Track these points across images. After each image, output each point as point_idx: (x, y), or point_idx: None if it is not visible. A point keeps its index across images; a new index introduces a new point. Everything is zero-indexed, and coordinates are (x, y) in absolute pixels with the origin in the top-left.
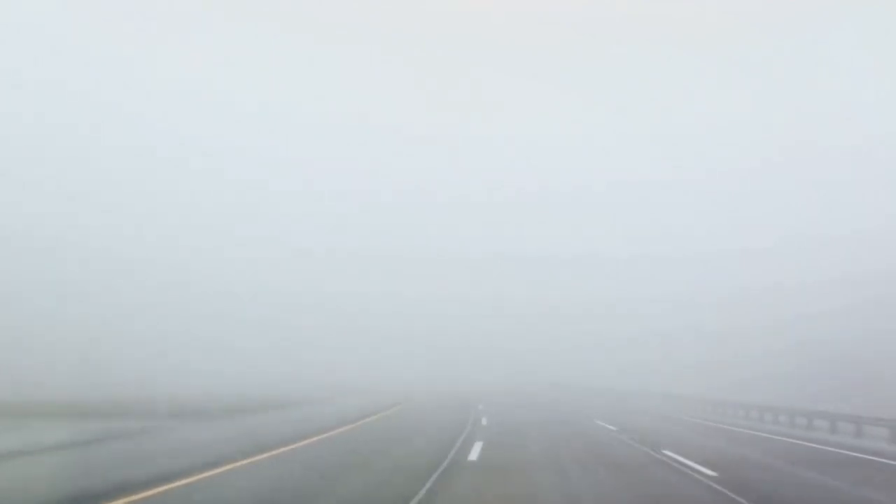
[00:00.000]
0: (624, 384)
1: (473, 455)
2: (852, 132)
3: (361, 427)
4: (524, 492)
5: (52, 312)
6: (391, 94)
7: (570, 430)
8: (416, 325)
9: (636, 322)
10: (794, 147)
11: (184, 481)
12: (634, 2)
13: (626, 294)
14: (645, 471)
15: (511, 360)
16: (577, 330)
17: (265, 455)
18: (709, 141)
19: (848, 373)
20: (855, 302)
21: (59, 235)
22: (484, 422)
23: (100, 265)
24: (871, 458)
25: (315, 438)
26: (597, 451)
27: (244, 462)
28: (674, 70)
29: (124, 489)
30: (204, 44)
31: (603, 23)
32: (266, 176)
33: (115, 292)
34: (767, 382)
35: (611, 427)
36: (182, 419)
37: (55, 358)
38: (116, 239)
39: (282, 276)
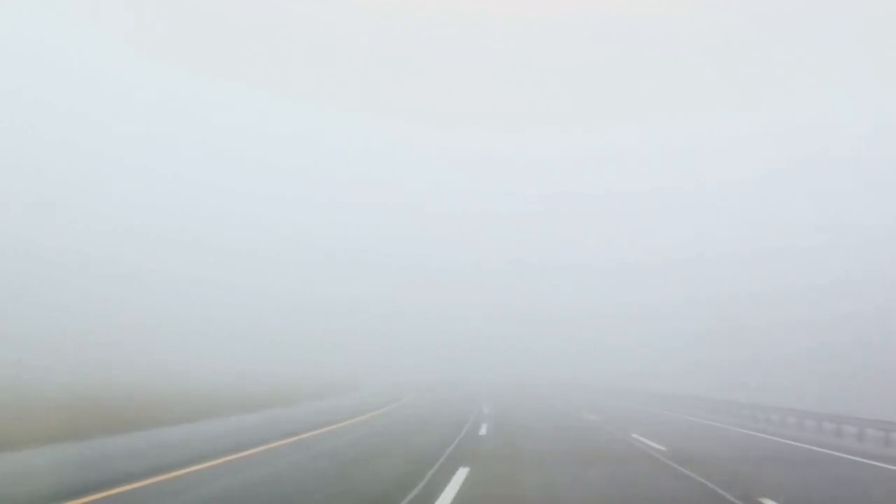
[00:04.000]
0: (624, 384)
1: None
2: (854, 140)
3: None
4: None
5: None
6: (404, 109)
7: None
8: (434, 329)
9: (642, 326)
10: (799, 156)
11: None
12: (641, 14)
13: (632, 300)
14: (570, 418)
15: (525, 362)
16: (589, 334)
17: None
18: (715, 150)
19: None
20: (859, 308)
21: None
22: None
23: (109, 275)
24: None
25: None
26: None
27: (370, 414)
28: (679, 80)
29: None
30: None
31: (609, 34)
32: (291, 189)
33: (122, 298)
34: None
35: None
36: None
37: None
38: (123, 249)
39: (316, 283)
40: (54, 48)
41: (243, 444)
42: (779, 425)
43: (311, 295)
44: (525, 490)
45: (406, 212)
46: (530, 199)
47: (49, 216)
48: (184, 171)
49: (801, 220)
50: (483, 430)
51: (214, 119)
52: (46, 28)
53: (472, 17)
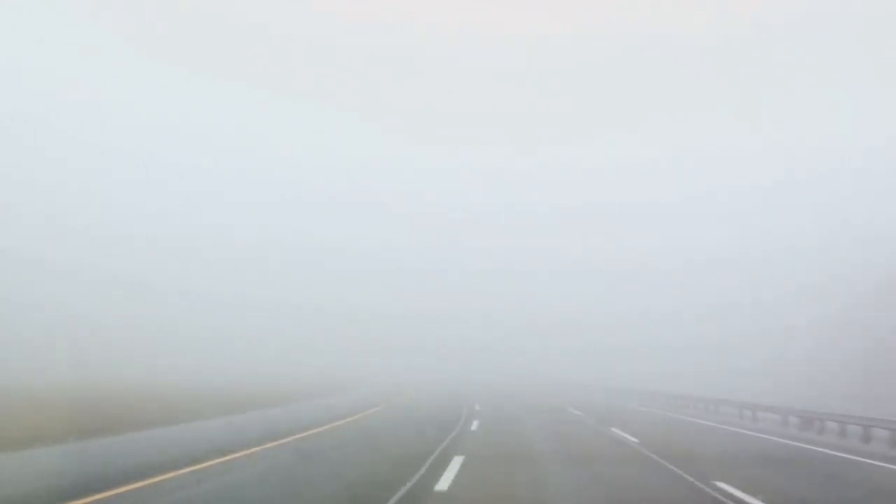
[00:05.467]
0: (623, 384)
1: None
2: (855, 153)
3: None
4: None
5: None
6: (406, 112)
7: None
8: (435, 331)
9: (645, 330)
10: (803, 168)
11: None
12: (648, 27)
13: (634, 306)
14: (559, 412)
15: (525, 363)
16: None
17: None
18: (720, 163)
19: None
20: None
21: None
22: None
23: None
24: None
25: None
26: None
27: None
28: (685, 93)
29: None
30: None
31: (615, 47)
32: (290, 191)
33: (124, 306)
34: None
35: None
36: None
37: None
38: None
39: (316, 285)
40: (53, 49)
41: (239, 443)
42: (753, 420)
43: (312, 297)
44: (511, 470)
45: (407, 215)
46: (535, 206)
47: (48, 224)
48: (182, 174)
49: (802, 225)
50: (474, 426)
51: (212, 120)
52: (46, 29)
53: (480, 21)
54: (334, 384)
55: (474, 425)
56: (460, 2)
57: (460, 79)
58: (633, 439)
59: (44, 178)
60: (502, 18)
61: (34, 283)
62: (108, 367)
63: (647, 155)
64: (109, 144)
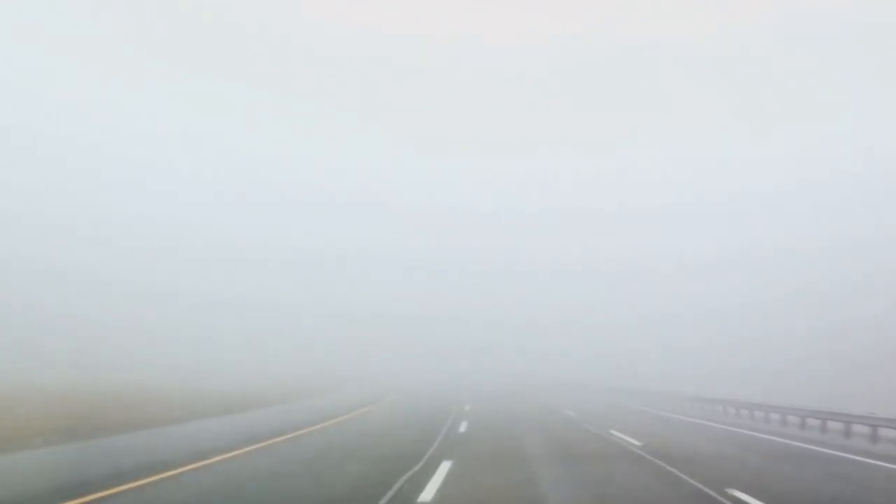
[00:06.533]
0: (620, 384)
1: None
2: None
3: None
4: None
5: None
6: (407, 111)
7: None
8: (437, 332)
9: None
10: (802, 171)
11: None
12: (650, 33)
13: (634, 309)
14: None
15: (526, 363)
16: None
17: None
18: (724, 164)
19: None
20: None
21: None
22: None
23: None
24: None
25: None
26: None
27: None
28: (685, 98)
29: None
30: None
31: (619, 54)
32: (290, 192)
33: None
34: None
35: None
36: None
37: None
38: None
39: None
40: (53, 49)
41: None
42: (734, 416)
43: (312, 297)
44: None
45: (407, 215)
46: (535, 207)
47: (47, 225)
48: (181, 174)
49: (801, 228)
50: (463, 428)
51: (213, 120)
52: (46, 29)
53: (481, 24)
54: (334, 384)
55: (463, 427)
56: (461, 6)
57: (461, 81)
58: (573, 413)
59: (43, 179)
60: (503, 22)
61: (34, 284)
62: (107, 368)
63: (647, 157)
64: (109, 145)
